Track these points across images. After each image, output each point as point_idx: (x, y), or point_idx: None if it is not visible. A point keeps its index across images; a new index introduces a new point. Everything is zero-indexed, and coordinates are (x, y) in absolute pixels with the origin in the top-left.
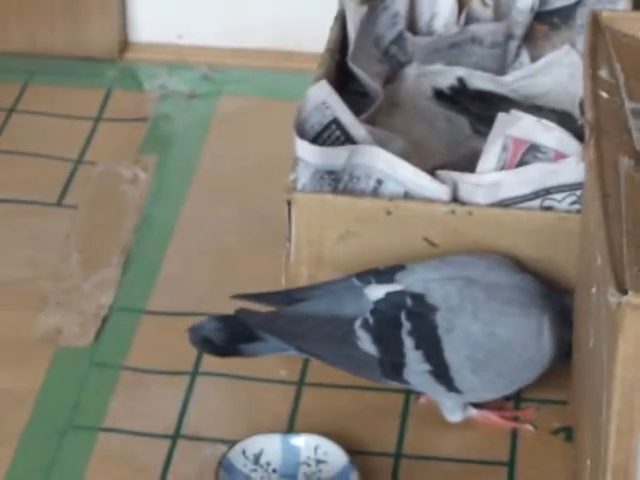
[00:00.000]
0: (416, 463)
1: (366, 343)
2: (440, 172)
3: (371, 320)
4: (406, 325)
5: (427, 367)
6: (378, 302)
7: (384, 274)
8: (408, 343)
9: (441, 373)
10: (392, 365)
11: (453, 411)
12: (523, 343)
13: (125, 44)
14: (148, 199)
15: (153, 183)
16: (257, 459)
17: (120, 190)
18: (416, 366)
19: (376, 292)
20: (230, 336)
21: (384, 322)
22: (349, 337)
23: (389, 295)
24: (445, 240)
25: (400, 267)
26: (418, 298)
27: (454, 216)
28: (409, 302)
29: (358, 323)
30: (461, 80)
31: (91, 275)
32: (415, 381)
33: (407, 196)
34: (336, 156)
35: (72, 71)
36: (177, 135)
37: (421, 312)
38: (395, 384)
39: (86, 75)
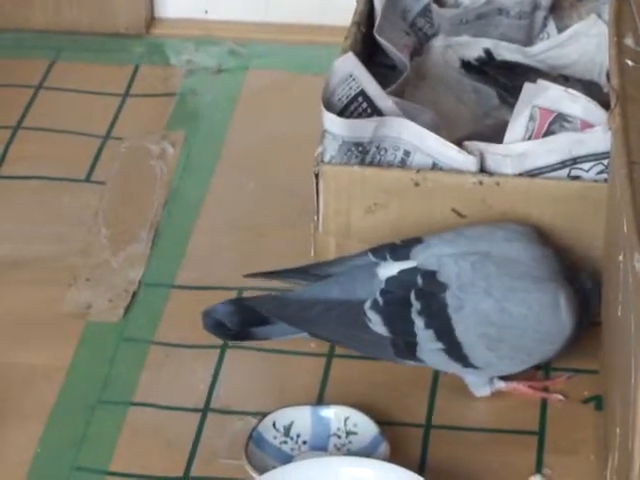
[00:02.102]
0: (445, 434)
1: (377, 324)
2: (467, 143)
3: (381, 301)
4: (415, 305)
5: (440, 345)
6: (389, 281)
7: (400, 249)
8: (418, 323)
9: (455, 351)
10: (405, 345)
11: (478, 386)
12: (537, 317)
13: (152, 20)
14: (176, 174)
15: (181, 158)
16: (287, 431)
17: (148, 165)
18: (429, 345)
19: (389, 270)
20: (243, 320)
21: (394, 303)
22: (360, 319)
23: (401, 273)
24: (473, 211)
25: (417, 240)
26: (429, 276)
27: (482, 187)
28: (420, 281)
29: (368, 304)
30: (488, 51)
31: (120, 251)
32: (430, 359)
33: (435, 167)
34: (363, 128)
35: (99, 47)
36: (205, 110)
37: (431, 291)
38: (410, 363)
39: (113, 51)
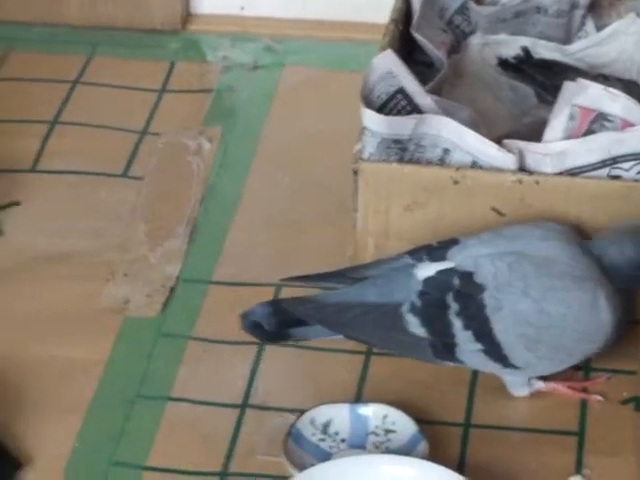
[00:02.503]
0: (485, 433)
1: (415, 326)
2: (507, 141)
3: (418, 303)
4: (453, 306)
5: (479, 346)
6: (426, 282)
7: (437, 250)
8: (457, 324)
9: (494, 351)
10: (443, 346)
11: (517, 386)
12: (576, 316)
13: (187, 16)
14: (213, 170)
15: (218, 154)
16: (325, 428)
17: (185, 161)
18: (468, 346)
19: (426, 271)
20: (280, 321)
21: (431, 304)
22: (397, 322)
23: (439, 274)
24: (512, 209)
25: (454, 242)
26: (466, 277)
27: (521, 185)
28: (457, 282)
29: (406, 307)
30: (526, 50)
31: (157, 246)
32: (469, 360)
33: (474, 166)
34: (403, 125)
35: (135, 43)
36: (241, 106)
37: (468, 292)
38: (450, 364)
39: (149, 47)
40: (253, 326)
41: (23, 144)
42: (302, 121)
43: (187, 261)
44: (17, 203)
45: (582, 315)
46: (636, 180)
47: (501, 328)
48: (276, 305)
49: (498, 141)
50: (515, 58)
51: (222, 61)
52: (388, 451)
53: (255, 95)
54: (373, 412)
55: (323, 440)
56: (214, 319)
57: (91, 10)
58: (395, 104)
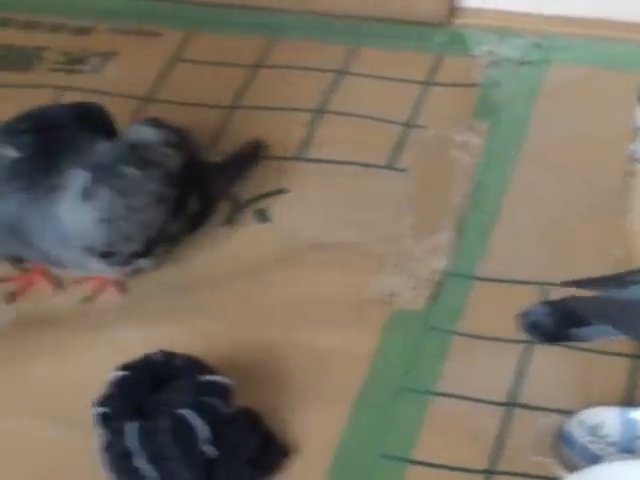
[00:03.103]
0: None
1: None
2: None
3: None
4: None
5: None
6: None
7: None
8: None
9: None
10: None
11: None
12: None
13: (454, 9)
14: (479, 165)
15: (484, 149)
16: (595, 431)
17: (451, 155)
18: None
19: None
20: (560, 321)
21: None
22: None
23: None
24: None
25: None
26: None
27: None
28: None
29: None
30: None
31: (423, 239)
32: None
33: None
34: None
35: (401, 35)
36: (506, 102)
37: None
38: None
39: (415, 39)
40: (532, 326)
41: (289, 132)
42: (568, 119)
43: (452, 255)
44: (284, 190)
45: None
46: None
47: None
48: (556, 304)
49: None
50: None
51: (488, 56)
52: None
53: (521, 91)
54: None
55: (592, 442)
56: (479, 315)
57: (358, 0)
58: None
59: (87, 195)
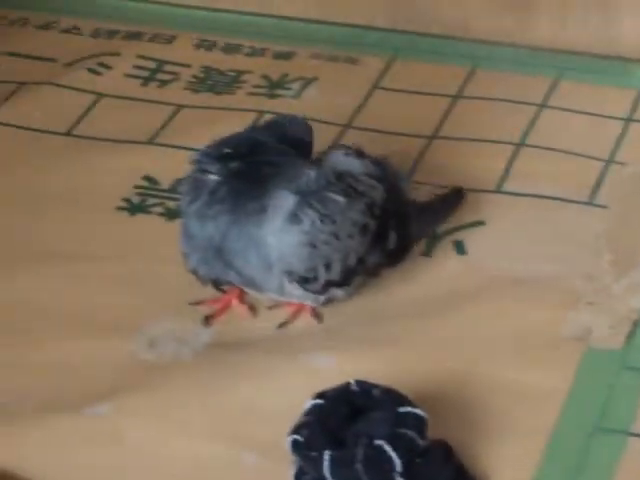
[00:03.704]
0: None
1: None
2: None
3: None
4: None
5: None
6: None
7: None
8: None
9: None
10: None
11: None
12: None
13: None
14: None
15: None
16: None
17: None
18: None
19: None
20: None
21: None
22: None
23: None
24: None
25: None
26: None
27: None
28: None
29: None
30: None
31: (622, 277)
32: None
33: None
34: None
35: (601, 69)
36: None
37: None
38: None
39: (617, 74)
40: None
41: (489, 164)
42: None
43: None
44: (482, 223)
45: None
46: None
47: None
48: None
49: None
50: None
51: None
52: None
53: None
54: None
55: None
56: None
57: (559, 33)
58: None
59: (294, 219)
